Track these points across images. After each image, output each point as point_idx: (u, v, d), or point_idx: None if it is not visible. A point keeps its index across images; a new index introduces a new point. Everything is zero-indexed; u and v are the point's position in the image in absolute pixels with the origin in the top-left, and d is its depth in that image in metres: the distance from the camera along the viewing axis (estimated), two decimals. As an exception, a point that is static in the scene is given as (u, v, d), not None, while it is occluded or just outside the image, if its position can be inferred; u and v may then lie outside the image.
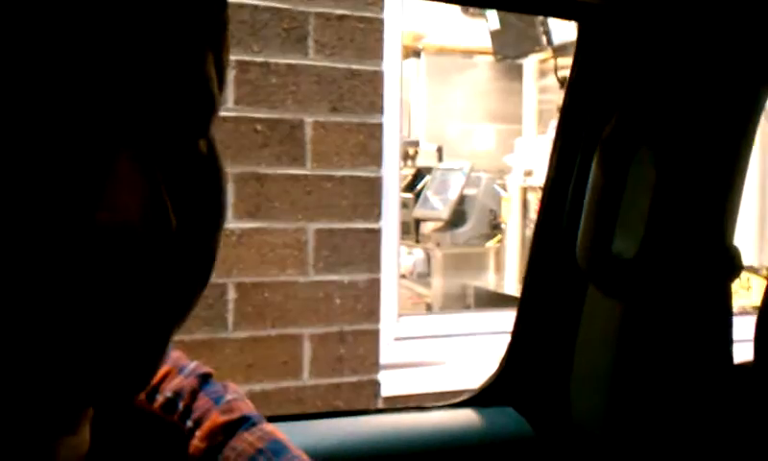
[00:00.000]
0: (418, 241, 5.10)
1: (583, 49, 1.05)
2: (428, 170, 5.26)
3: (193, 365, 0.71)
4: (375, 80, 2.09)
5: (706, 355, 1.04)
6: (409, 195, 5.21)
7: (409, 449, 1.12)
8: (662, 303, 1.03)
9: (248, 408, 0.70)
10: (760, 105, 1.00)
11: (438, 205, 4.94)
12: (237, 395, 0.72)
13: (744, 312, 2.57)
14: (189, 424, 0.66)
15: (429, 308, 4.42)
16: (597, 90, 1.04)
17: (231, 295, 1.96)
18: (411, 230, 5.17)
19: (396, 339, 2.28)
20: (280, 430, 0.67)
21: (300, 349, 2.03)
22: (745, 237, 2.84)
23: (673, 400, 1.06)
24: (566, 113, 1.08)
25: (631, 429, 1.08)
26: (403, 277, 4.77)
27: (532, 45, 4.06)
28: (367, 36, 2.07)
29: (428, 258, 4.87)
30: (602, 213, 1.00)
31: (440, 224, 4.93)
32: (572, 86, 1.06)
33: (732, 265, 1.03)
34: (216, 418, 0.67)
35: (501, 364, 1.22)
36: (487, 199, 4.81)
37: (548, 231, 1.14)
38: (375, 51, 2.09)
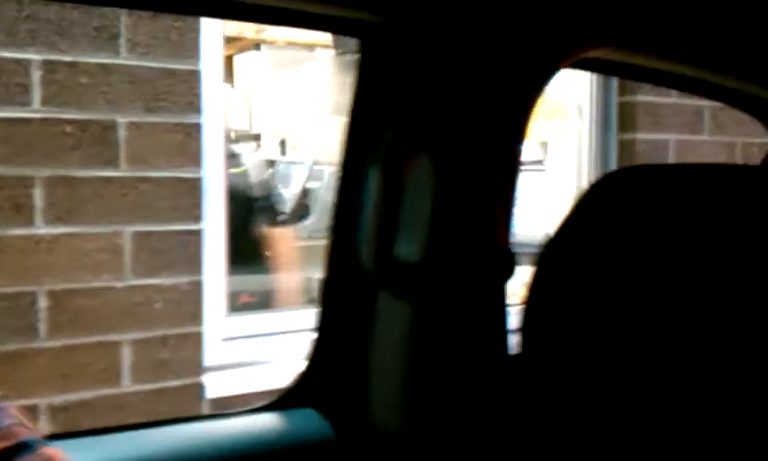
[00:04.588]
0: (262, 235, 5.06)
1: (364, 63, 1.08)
2: (271, 164, 5.22)
3: None
4: (192, 79, 2.06)
5: (485, 349, 1.10)
6: (252, 189, 5.15)
7: (212, 458, 1.12)
8: (446, 302, 1.07)
9: (26, 433, 0.68)
10: (529, 111, 1.06)
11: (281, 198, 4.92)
12: (16, 419, 0.69)
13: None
14: None
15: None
16: (379, 101, 1.07)
17: (43, 303, 1.88)
18: (255, 224, 5.12)
19: (225, 339, 2.26)
20: (80, 445, 0.65)
21: (119, 355, 1.98)
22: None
23: (459, 395, 1.11)
24: (351, 124, 1.10)
25: (425, 427, 1.12)
26: (246, 272, 4.71)
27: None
28: (182, 34, 2.03)
29: (272, 253, 4.84)
30: (383, 219, 1.03)
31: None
32: (356, 98, 1.09)
33: (508, 266, 1.08)
34: None
35: (304, 367, 1.24)
36: (329, 192, 4.83)
37: (341, 237, 1.16)
38: (192, 50, 2.05)
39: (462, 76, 1.02)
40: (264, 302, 2.72)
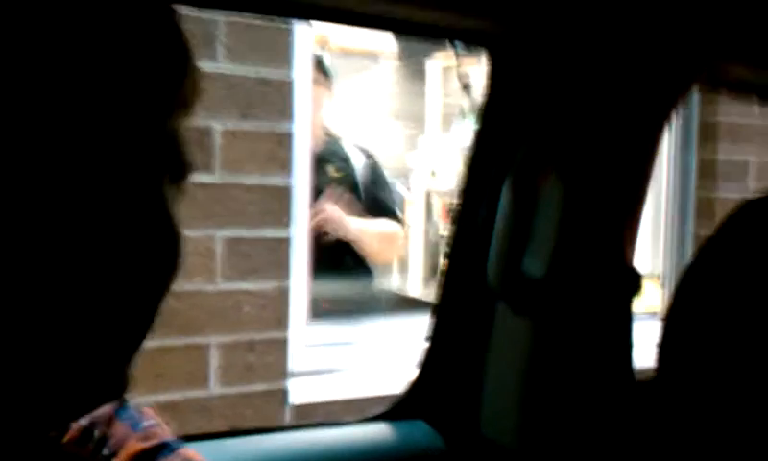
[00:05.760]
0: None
1: (493, 77, 1.08)
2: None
3: None
4: (285, 88, 2.08)
5: (609, 369, 1.09)
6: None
7: (323, 466, 1.12)
8: (570, 320, 1.07)
9: (166, 434, 0.70)
10: (661, 130, 1.05)
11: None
12: (154, 420, 0.71)
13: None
14: (106, 452, 0.65)
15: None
16: (508, 116, 1.07)
17: (137, 304, 1.91)
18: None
19: (309, 346, 2.27)
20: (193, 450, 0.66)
21: (206, 358, 2.01)
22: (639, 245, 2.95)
23: (579, 414, 1.10)
24: (479, 138, 1.10)
25: (540, 443, 1.12)
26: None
27: (432, 47, 4.14)
28: (276, 43, 2.06)
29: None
30: (513, 236, 1.03)
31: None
32: (485, 112, 1.09)
33: (634, 284, 1.07)
34: (134, 445, 0.66)
35: (414, 378, 1.24)
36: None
37: (461, 250, 1.16)
38: (285, 59, 2.08)
39: (593, 94, 1.01)
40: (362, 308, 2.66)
